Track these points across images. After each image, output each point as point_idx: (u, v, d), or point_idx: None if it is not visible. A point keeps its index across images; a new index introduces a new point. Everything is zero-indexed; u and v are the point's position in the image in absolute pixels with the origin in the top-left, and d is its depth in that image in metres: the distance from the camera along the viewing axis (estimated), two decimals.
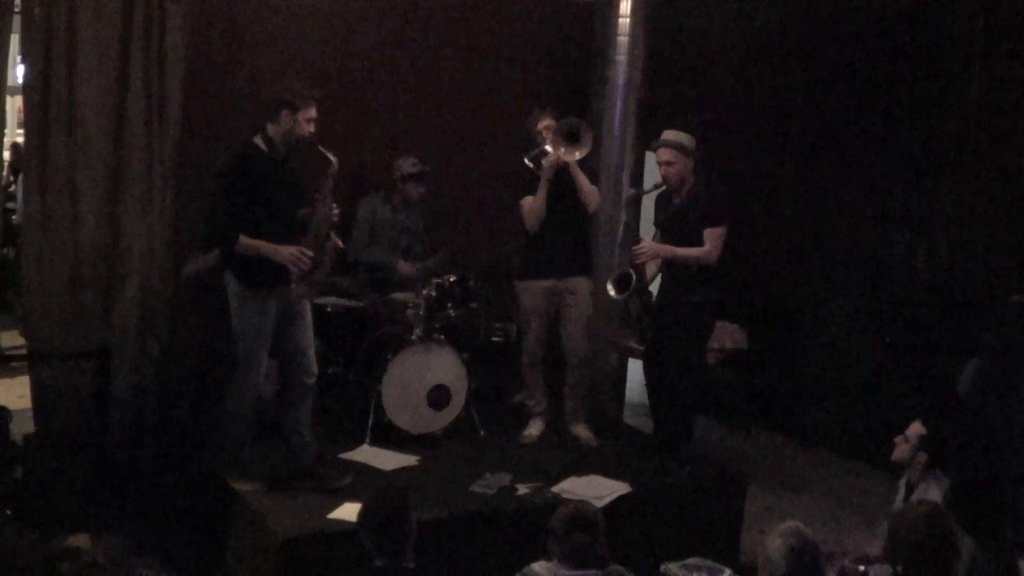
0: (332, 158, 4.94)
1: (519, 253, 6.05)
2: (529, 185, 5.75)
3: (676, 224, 5.61)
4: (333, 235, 5.03)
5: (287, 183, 4.95)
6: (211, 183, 5.00)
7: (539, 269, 5.86)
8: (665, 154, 5.54)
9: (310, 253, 4.86)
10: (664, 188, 5.68)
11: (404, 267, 6.45)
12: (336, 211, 5.04)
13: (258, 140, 4.91)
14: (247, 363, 4.95)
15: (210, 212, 4.95)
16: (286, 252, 4.82)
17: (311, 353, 5.11)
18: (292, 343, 5.04)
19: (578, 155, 5.64)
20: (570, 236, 5.83)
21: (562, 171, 5.68)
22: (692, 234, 5.55)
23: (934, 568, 3.56)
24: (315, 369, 5.13)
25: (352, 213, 6.43)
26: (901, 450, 4.68)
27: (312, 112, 4.90)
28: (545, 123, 5.74)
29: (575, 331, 5.92)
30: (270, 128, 4.90)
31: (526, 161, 5.75)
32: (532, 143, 5.79)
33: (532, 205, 5.75)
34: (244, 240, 4.80)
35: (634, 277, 5.52)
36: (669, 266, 5.67)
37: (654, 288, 5.82)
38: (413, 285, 6.23)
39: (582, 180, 5.71)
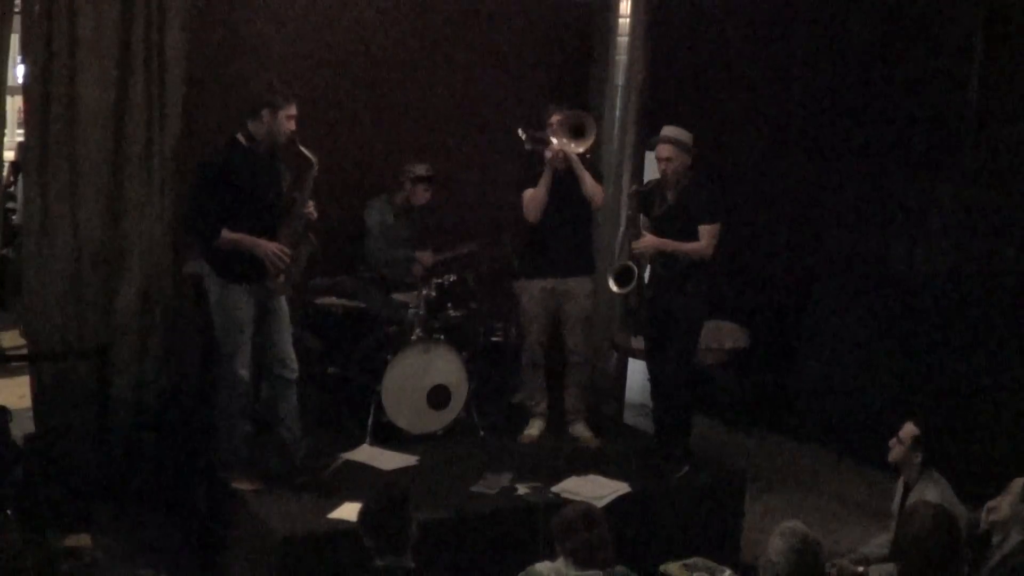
0: (312, 157, 4.97)
1: (520, 251, 6.05)
2: (532, 179, 5.77)
3: (670, 220, 5.62)
4: (311, 235, 5.04)
5: (267, 179, 4.99)
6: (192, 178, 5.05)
7: (540, 269, 5.87)
8: (665, 150, 5.56)
9: (288, 251, 4.91)
10: (657, 184, 5.69)
11: (424, 257, 6.49)
12: (313, 210, 5.06)
13: (239, 136, 4.95)
14: (230, 356, 4.99)
15: (191, 206, 5.00)
16: (265, 248, 4.87)
17: (289, 348, 5.14)
18: (268, 338, 5.08)
19: (581, 148, 5.65)
20: (573, 235, 5.83)
21: (566, 168, 5.69)
22: (686, 230, 5.56)
23: (939, 568, 3.56)
24: (295, 363, 5.14)
25: (359, 218, 6.47)
26: (895, 451, 4.69)
27: (292, 110, 4.94)
28: (555, 118, 5.74)
29: (576, 331, 5.92)
30: (251, 125, 4.94)
31: (520, 132, 5.74)
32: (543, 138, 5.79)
33: (533, 195, 5.75)
34: (226, 234, 4.85)
35: (636, 270, 5.52)
36: (660, 261, 5.67)
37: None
38: (415, 285, 6.24)
39: (585, 175, 5.72)
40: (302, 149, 4.96)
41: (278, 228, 4.99)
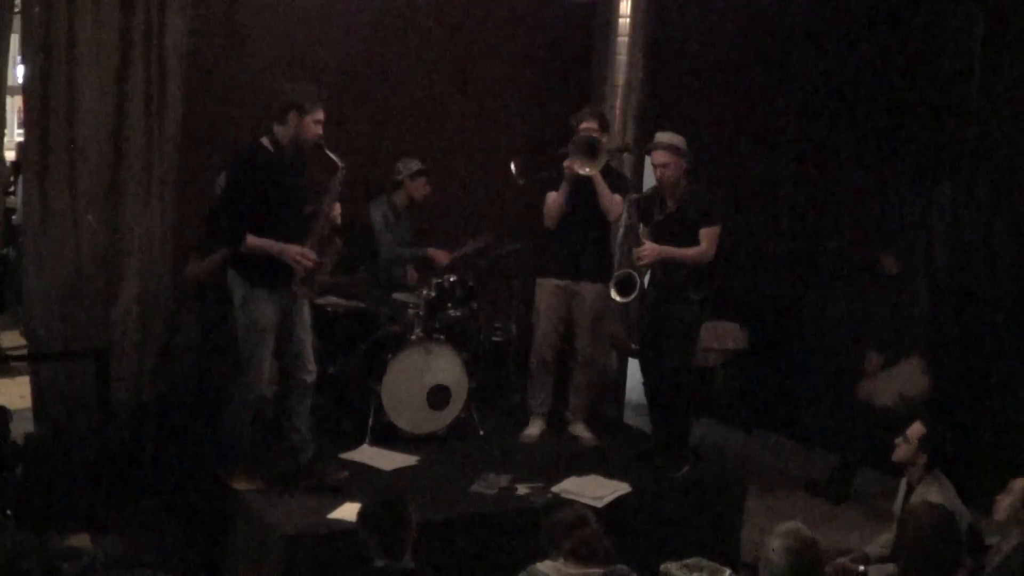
0: (339, 162, 4.94)
1: (538, 250, 6.06)
2: (556, 182, 5.79)
3: (670, 226, 5.61)
4: (336, 238, 5.03)
5: (293, 183, 4.95)
6: (214, 184, 5.01)
7: (555, 268, 5.89)
8: (661, 156, 5.55)
9: (313, 254, 4.88)
10: (656, 190, 5.69)
11: (439, 255, 6.52)
12: (339, 213, 5.04)
13: (264, 140, 4.90)
14: (250, 362, 4.95)
15: (216, 212, 4.96)
16: (292, 252, 4.84)
17: (309, 351, 5.12)
18: (290, 341, 5.05)
19: (589, 170, 5.66)
20: (588, 241, 5.84)
21: (585, 178, 5.70)
22: (687, 235, 5.56)
23: (938, 568, 3.56)
24: (313, 367, 5.13)
25: (360, 219, 6.47)
26: (901, 450, 4.68)
27: (320, 114, 4.90)
28: (586, 124, 5.74)
29: (584, 333, 5.94)
30: (277, 129, 4.89)
31: (512, 166, 5.81)
32: (570, 136, 5.79)
33: (552, 201, 5.80)
34: (251, 239, 4.81)
35: (637, 279, 5.52)
36: (662, 265, 5.67)
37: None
38: (414, 287, 6.25)
39: (603, 189, 5.73)
40: (329, 153, 4.92)
41: (305, 232, 4.95)
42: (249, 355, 4.95)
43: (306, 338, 5.11)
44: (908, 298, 6.49)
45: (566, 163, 5.70)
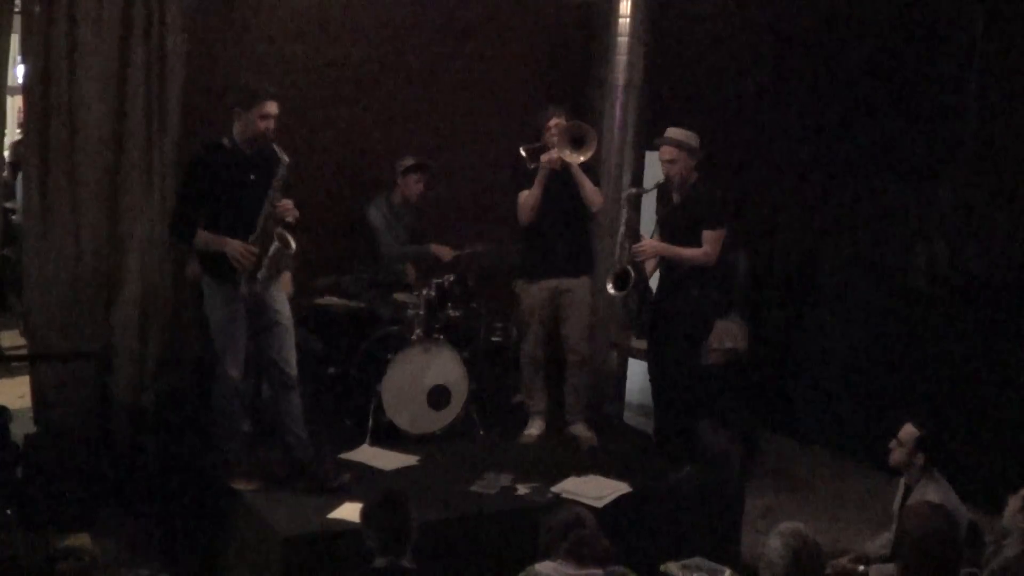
0: (284, 157, 4.91)
1: (519, 252, 6.06)
2: (529, 180, 5.77)
3: (675, 222, 5.62)
4: (286, 233, 4.91)
5: (252, 181, 4.92)
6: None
7: (539, 270, 5.87)
8: (668, 151, 5.55)
9: (254, 249, 4.86)
10: (664, 184, 5.69)
11: (442, 251, 6.50)
12: (287, 209, 4.95)
13: (224, 139, 4.95)
14: (221, 354, 4.99)
15: (173, 207, 5.04)
16: (232, 247, 4.84)
17: (286, 352, 5.08)
18: (270, 349, 5.05)
19: (580, 159, 5.65)
20: (571, 236, 5.83)
21: (564, 171, 5.69)
22: (690, 233, 5.56)
23: (938, 568, 3.56)
24: (292, 368, 5.09)
25: (358, 217, 6.48)
26: (896, 454, 4.68)
27: (266, 109, 4.88)
28: (555, 121, 5.74)
29: (575, 331, 5.92)
30: (234, 127, 4.94)
31: (521, 151, 5.76)
32: (538, 137, 5.80)
33: (526, 199, 5.77)
34: (200, 234, 4.87)
35: (632, 274, 5.53)
36: (668, 264, 5.68)
37: (652, 284, 5.84)
38: (412, 287, 6.25)
39: (584, 181, 5.71)
40: (275, 148, 4.91)
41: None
42: (220, 349, 4.99)
43: (286, 338, 5.08)
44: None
45: (545, 156, 5.67)
